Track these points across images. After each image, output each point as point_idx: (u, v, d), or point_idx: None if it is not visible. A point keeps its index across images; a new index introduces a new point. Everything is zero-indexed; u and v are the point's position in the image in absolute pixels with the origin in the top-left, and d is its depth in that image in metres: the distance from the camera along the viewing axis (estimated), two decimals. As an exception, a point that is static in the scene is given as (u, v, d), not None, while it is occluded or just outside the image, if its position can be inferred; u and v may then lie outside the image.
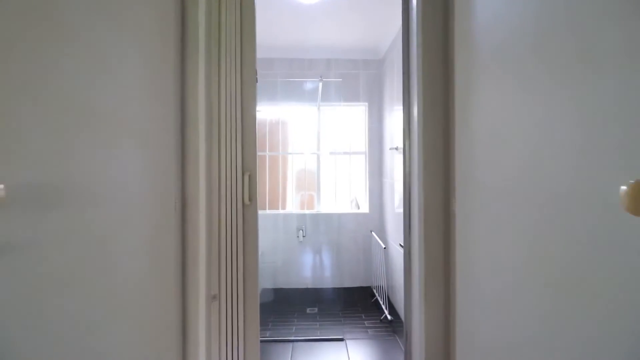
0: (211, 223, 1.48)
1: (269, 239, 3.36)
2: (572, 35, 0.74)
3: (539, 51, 0.85)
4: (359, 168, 3.60)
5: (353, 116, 3.61)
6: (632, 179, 0.53)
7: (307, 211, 3.51)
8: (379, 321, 2.78)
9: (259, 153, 3.74)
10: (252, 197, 1.55)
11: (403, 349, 1.77)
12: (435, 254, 1.48)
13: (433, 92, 1.47)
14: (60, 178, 0.73)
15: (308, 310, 3.01)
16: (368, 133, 3.51)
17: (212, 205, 1.49)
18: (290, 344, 2.40)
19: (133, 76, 1.03)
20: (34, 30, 0.66)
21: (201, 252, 1.42)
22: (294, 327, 2.68)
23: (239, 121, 1.52)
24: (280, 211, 3.52)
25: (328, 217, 3.45)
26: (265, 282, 3.34)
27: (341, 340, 2.46)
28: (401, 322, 2.52)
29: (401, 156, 2.10)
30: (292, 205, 3.58)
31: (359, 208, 3.58)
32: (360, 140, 3.59)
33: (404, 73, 1.65)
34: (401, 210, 1.71)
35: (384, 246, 2.90)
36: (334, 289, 3.39)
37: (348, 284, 3.41)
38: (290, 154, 3.59)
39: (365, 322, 2.78)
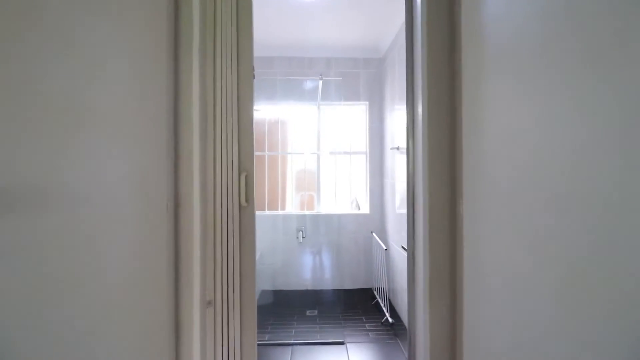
0: (206, 225, 1.43)
1: (268, 239, 3.31)
2: (598, 23, 0.68)
3: (560, 43, 0.79)
4: (360, 168, 3.55)
5: (353, 115, 3.55)
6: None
7: (306, 212, 3.46)
8: (380, 324, 2.73)
9: (258, 153, 3.67)
10: (249, 198, 1.49)
11: (406, 353, 1.72)
12: (441, 258, 1.43)
13: (438, 89, 1.42)
14: (46, 179, 0.68)
15: (308, 313, 2.97)
16: (369, 132, 3.46)
17: (207, 206, 1.44)
18: (290, 348, 2.35)
19: (122, 73, 0.98)
20: (14, 28, 0.61)
21: (195, 256, 1.36)
22: (293, 330, 2.63)
23: (235, 119, 1.47)
24: (280, 212, 3.47)
25: (328, 217, 3.40)
26: (264, 283, 3.29)
27: (342, 344, 2.41)
28: (403, 324, 2.46)
29: (402, 156, 2.05)
30: (292, 205, 3.53)
31: (359, 209, 3.53)
32: (360, 139, 3.54)
33: (407, 70, 1.59)
34: (402, 211, 1.66)
35: (385, 247, 2.85)
36: (334, 290, 3.34)
37: (348, 285, 3.36)
38: (289, 153, 3.54)
39: (366, 324, 2.73)
